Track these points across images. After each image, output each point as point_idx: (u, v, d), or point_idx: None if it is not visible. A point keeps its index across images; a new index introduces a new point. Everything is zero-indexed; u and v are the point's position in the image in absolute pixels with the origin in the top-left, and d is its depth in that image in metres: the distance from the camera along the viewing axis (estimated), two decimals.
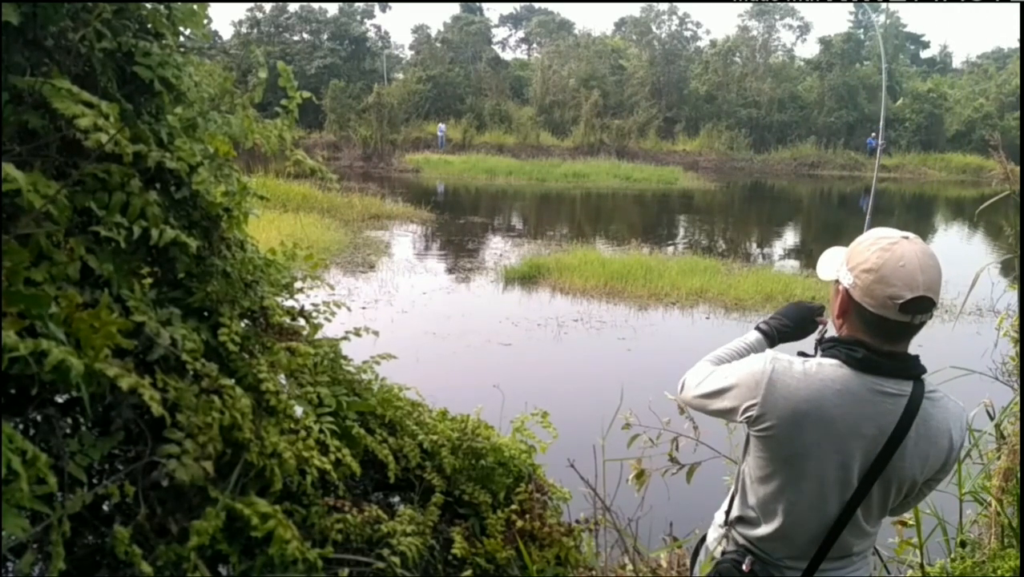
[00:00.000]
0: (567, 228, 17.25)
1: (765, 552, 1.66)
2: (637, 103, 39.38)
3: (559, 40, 46.20)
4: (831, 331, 1.69)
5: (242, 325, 1.47)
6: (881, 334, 1.48)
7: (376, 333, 1.79)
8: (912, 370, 1.50)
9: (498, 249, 14.04)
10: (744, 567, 1.66)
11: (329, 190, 16.53)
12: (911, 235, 1.50)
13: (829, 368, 1.52)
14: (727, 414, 1.63)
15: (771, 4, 41.46)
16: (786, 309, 1.80)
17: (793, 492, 1.57)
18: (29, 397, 1.12)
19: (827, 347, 1.57)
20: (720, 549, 1.76)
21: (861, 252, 1.50)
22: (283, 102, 1.55)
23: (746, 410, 1.55)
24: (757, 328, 1.77)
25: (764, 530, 1.64)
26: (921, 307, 1.42)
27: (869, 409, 1.49)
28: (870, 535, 1.64)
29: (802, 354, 1.65)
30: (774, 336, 1.81)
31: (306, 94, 1.58)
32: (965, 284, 3.11)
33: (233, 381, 1.34)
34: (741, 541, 1.70)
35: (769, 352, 1.60)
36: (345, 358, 1.74)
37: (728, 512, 1.76)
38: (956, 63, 58.03)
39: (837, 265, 1.56)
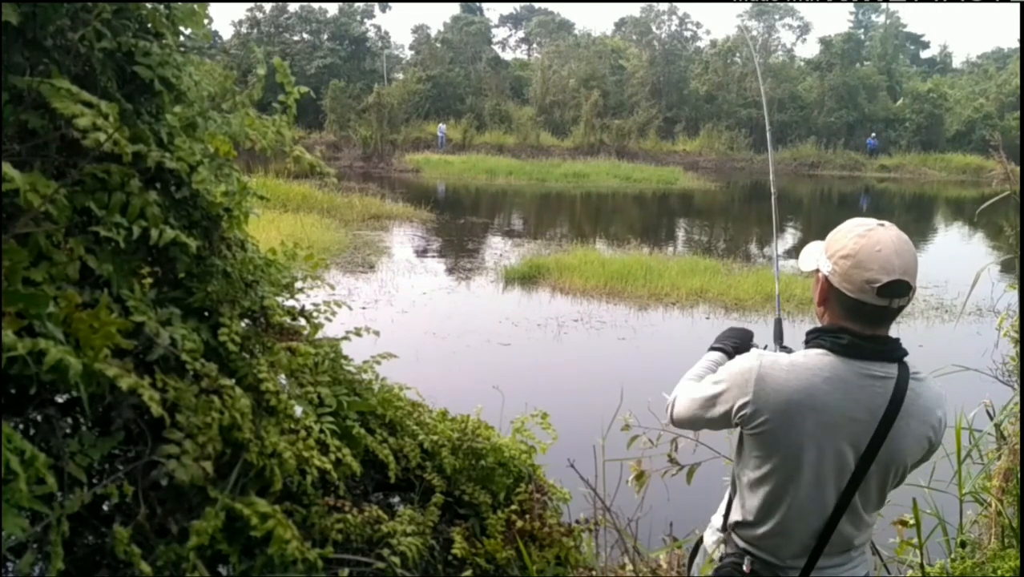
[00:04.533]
0: (567, 228, 17.25)
1: (765, 551, 1.66)
2: (637, 103, 39.38)
3: (559, 40, 46.21)
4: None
5: (242, 325, 1.47)
6: (861, 319, 1.50)
7: (377, 333, 1.79)
8: (896, 352, 1.53)
9: (498, 249, 14.04)
10: (744, 568, 1.66)
11: (327, 186, 16.56)
12: (886, 223, 1.53)
13: (816, 357, 1.53)
14: (721, 421, 1.62)
15: (771, 4, 41.48)
16: (728, 332, 1.86)
17: (792, 486, 1.58)
18: (29, 397, 1.12)
19: (811, 337, 1.58)
20: (719, 552, 1.76)
21: (839, 240, 1.53)
22: (281, 98, 1.54)
23: (739, 410, 1.56)
24: (712, 348, 1.81)
25: (764, 529, 1.64)
26: (898, 290, 1.45)
27: (859, 394, 1.51)
28: (868, 525, 1.65)
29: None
30: (732, 353, 1.82)
31: (304, 89, 1.58)
32: (965, 284, 3.11)
33: (233, 381, 1.34)
34: (741, 544, 1.70)
35: (755, 350, 1.62)
36: (346, 358, 1.74)
37: (726, 516, 1.76)
38: (956, 63, 58.03)
39: (817, 255, 1.59)
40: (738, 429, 1.64)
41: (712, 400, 1.62)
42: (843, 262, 1.49)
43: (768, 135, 2.99)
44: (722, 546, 1.76)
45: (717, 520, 1.80)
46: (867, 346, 1.51)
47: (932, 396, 1.56)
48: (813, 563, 1.62)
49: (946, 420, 1.60)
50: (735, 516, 1.72)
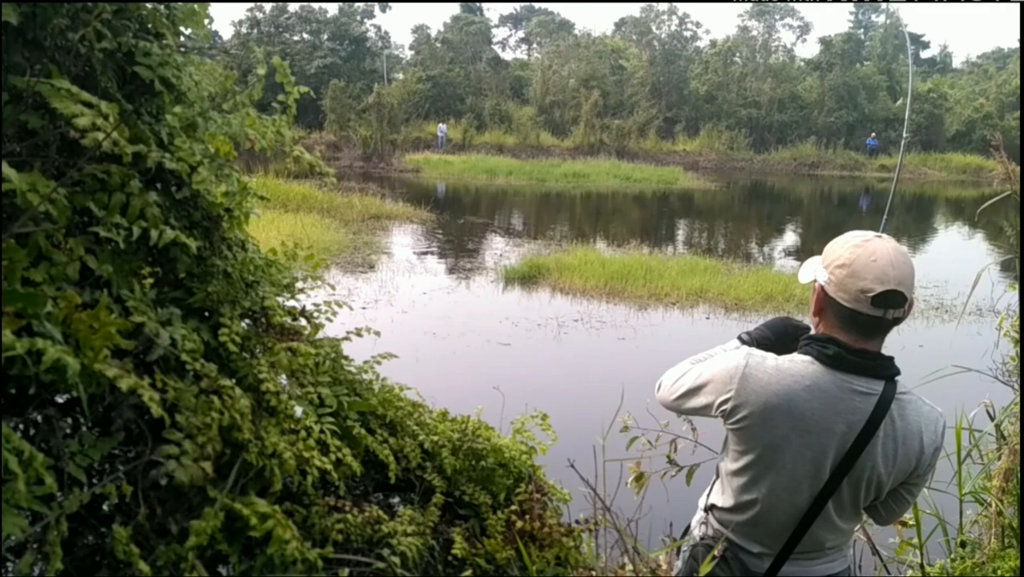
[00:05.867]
0: (567, 228, 17.24)
1: (738, 539, 1.71)
2: (637, 103, 39.37)
3: (559, 40, 46.16)
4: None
5: (243, 325, 1.47)
6: (855, 329, 1.51)
7: (377, 333, 1.78)
8: (884, 370, 1.53)
9: (498, 249, 14.03)
10: (716, 552, 1.72)
11: (326, 186, 16.55)
12: (884, 235, 1.56)
13: (801, 364, 1.56)
14: (703, 411, 1.67)
15: (771, 4, 41.45)
16: (772, 321, 1.83)
17: (765, 483, 1.62)
18: (29, 397, 1.11)
19: (802, 345, 1.61)
20: (699, 533, 1.82)
21: (835, 250, 1.55)
22: (280, 98, 1.54)
23: (721, 404, 1.60)
24: (738, 337, 1.80)
25: (738, 518, 1.70)
26: (893, 301, 1.46)
27: (839, 406, 1.52)
28: (843, 531, 1.67)
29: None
30: (752, 346, 1.83)
31: (304, 89, 1.58)
32: (965, 284, 3.11)
33: (233, 381, 1.34)
34: (717, 526, 1.76)
35: (744, 348, 1.65)
36: (346, 358, 1.73)
37: (708, 497, 1.82)
38: (956, 63, 58.04)
39: (814, 267, 1.61)
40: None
41: (695, 390, 1.67)
42: (839, 272, 1.51)
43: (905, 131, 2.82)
44: (702, 527, 1.82)
45: (701, 500, 1.87)
46: (853, 359, 1.51)
47: (919, 419, 1.55)
48: (783, 560, 1.65)
49: (939, 442, 1.58)
50: (714, 500, 1.78)
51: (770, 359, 1.59)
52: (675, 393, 1.72)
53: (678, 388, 1.71)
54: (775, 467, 1.58)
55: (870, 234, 1.55)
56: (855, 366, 1.51)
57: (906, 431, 1.53)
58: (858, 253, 1.49)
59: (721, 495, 1.75)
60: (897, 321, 1.51)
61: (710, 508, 1.79)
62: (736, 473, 1.67)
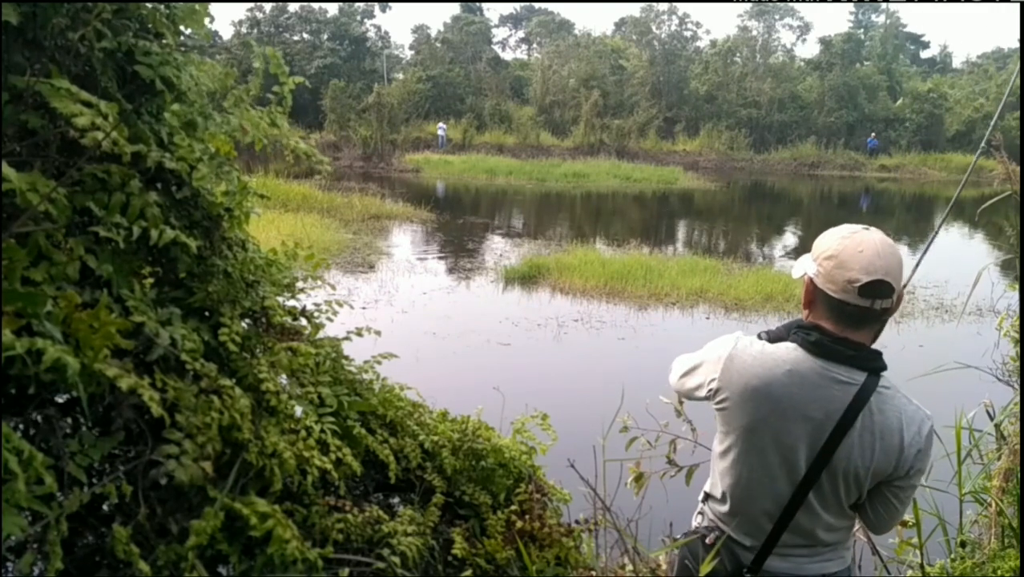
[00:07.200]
0: (567, 228, 17.24)
1: (729, 528, 1.73)
2: (637, 103, 39.37)
3: (559, 40, 46.18)
4: None
5: (243, 325, 1.47)
6: (842, 319, 1.53)
7: (378, 333, 1.78)
8: (867, 361, 1.54)
9: (498, 249, 14.03)
10: (708, 540, 1.75)
11: (324, 179, 16.49)
12: (872, 228, 1.57)
13: (784, 350, 1.59)
14: (697, 391, 1.71)
15: (771, 4, 41.44)
16: (791, 322, 1.84)
17: (743, 465, 1.64)
18: (29, 397, 1.11)
19: (791, 334, 1.64)
20: (696, 523, 1.86)
21: (824, 242, 1.58)
22: (275, 88, 1.53)
23: (708, 384, 1.65)
24: (758, 335, 1.81)
25: (725, 507, 1.73)
26: (880, 291, 1.48)
27: (816, 393, 1.53)
28: (834, 527, 1.65)
29: None
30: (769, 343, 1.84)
31: (299, 79, 1.57)
32: (965, 284, 3.11)
33: (233, 381, 1.34)
34: (710, 516, 1.79)
35: (738, 333, 1.69)
36: (346, 358, 1.73)
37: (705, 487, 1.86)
38: (956, 63, 58.06)
39: (805, 261, 1.64)
40: None
41: (691, 372, 1.72)
42: (827, 263, 1.53)
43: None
44: (699, 517, 1.86)
45: (701, 493, 1.90)
46: (835, 348, 1.52)
47: (900, 416, 1.53)
48: (769, 549, 1.66)
49: (922, 445, 1.55)
50: (706, 488, 1.83)
51: (757, 344, 1.63)
52: (678, 374, 1.78)
53: (681, 369, 1.77)
54: (752, 449, 1.61)
55: (858, 227, 1.57)
56: (836, 354, 1.52)
57: (884, 425, 1.52)
58: (845, 244, 1.51)
59: (711, 483, 1.80)
60: (885, 312, 1.51)
61: (705, 498, 1.83)
62: (720, 456, 1.71)
